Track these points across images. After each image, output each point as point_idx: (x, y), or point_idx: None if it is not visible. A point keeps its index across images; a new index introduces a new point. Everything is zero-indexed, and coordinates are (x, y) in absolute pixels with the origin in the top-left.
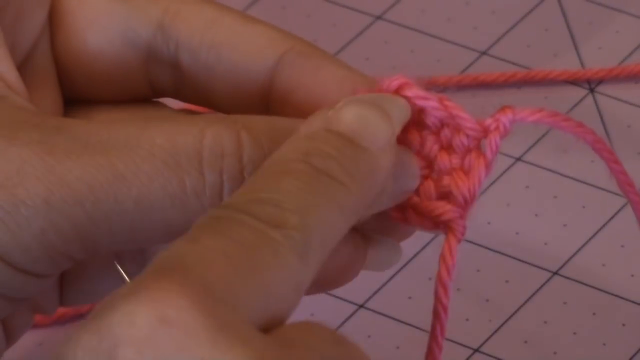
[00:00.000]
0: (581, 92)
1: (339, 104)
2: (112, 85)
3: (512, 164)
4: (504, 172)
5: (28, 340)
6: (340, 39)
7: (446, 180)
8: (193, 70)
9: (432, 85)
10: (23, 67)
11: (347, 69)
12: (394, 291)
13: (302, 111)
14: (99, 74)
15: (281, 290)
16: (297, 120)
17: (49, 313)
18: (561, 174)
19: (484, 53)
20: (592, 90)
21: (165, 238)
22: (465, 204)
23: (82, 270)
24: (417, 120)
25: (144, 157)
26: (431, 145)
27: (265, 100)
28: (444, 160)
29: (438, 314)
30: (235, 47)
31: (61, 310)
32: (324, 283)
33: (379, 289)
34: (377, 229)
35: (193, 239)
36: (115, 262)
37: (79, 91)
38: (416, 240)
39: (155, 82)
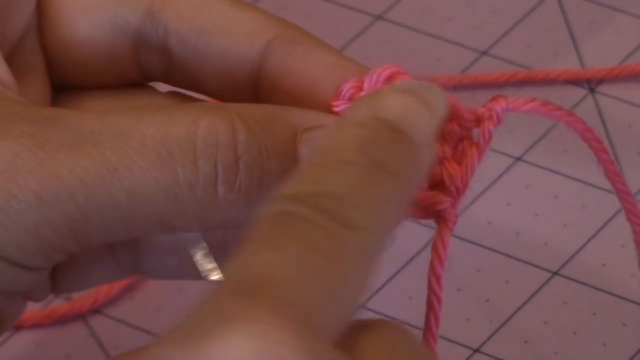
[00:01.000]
0: (581, 92)
1: (383, 90)
2: (101, 72)
3: (512, 164)
4: (504, 172)
5: (28, 340)
6: (340, 39)
7: (438, 169)
8: (182, 55)
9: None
10: (11, 57)
11: (337, 55)
12: (394, 291)
13: (292, 97)
14: (89, 60)
15: (356, 300)
16: (291, 109)
17: (40, 300)
18: (561, 174)
19: (484, 53)
20: (592, 90)
21: (158, 230)
22: (458, 193)
23: (74, 260)
24: None
25: (137, 149)
26: None
27: (255, 86)
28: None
29: (432, 304)
30: (224, 32)
31: (61, 310)
32: None
33: (379, 289)
34: None
35: (274, 247)
36: (192, 254)
37: (68, 78)
38: (416, 240)
39: (145, 68)
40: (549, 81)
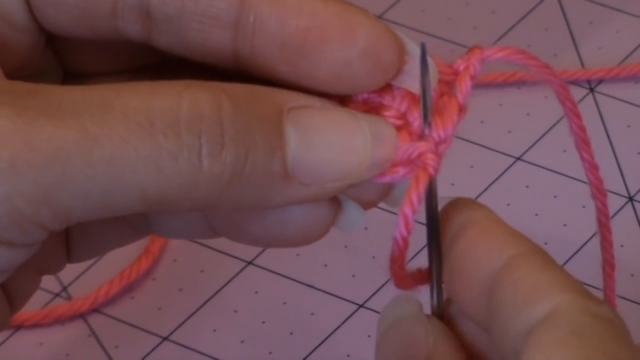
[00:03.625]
0: (581, 92)
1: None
2: (78, 27)
3: (512, 164)
4: (504, 172)
5: (28, 339)
6: None
7: (419, 123)
8: (162, 17)
9: None
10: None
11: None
12: (393, 291)
13: (270, 50)
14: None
15: None
16: (276, 89)
17: (56, 272)
18: (561, 174)
19: None
20: (592, 90)
21: (141, 206)
22: (439, 142)
23: (87, 227)
24: None
25: (118, 119)
26: (402, 99)
27: (236, 50)
28: (415, 113)
29: (396, 241)
30: None
31: (61, 309)
32: (287, 240)
33: (379, 289)
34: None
35: None
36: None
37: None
38: (415, 241)
39: (123, 30)
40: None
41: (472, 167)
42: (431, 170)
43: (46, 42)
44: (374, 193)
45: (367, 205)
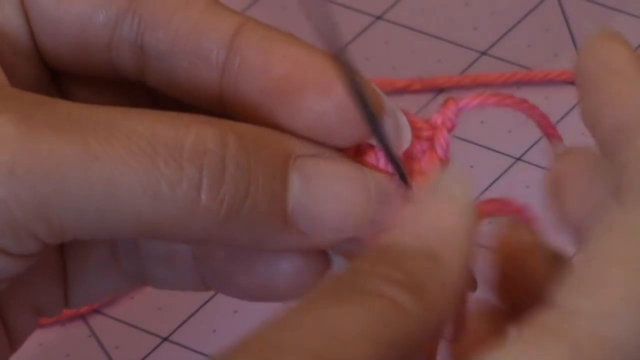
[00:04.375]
0: None
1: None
2: (75, 59)
3: (512, 164)
4: (504, 172)
5: (28, 340)
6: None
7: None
8: (155, 56)
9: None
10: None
11: (305, 49)
12: None
13: (252, 94)
14: (70, 44)
15: None
16: (286, 134)
17: (53, 315)
18: None
19: (484, 53)
20: None
21: (135, 230)
22: None
23: (81, 269)
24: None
25: (121, 141)
26: (386, 158)
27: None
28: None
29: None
30: (197, 37)
31: None
32: (274, 291)
33: None
34: (338, 248)
35: None
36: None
37: (51, 62)
38: None
39: (118, 64)
40: (548, 81)
41: (472, 167)
42: None
43: (51, 78)
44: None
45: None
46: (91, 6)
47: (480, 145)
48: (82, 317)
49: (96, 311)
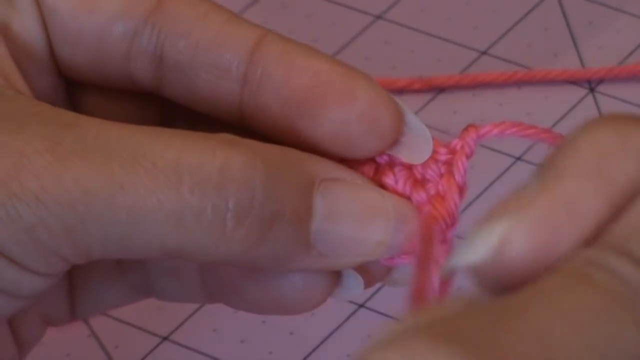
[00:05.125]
0: (581, 92)
1: None
2: (92, 71)
3: (512, 164)
4: (504, 172)
5: None
6: (340, 39)
7: (427, 208)
8: (175, 68)
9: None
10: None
11: (319, 58)
12: (394, 291)
13: (273, 105)
14: (86, 55)
15: None
16: (311, 156)
17: (60, 324)
18: None
19: (484, 53)
20: (592, 90)
21: (160, 254)
22: (447, 227)
23: (88, 280)
24: (388, 159)
25: (147, 169)
26: (405, 180)
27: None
28: (420, 194)
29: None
30: (218, 48)
31: None
32: (284, 305)
33: (379, 289)
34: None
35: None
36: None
37: (67, 72)
38: None
39: (135, 75)
40: (548, 81)
41: (471, 167)
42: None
43: (66, 88)
44: (378, 272)
45: (368, 282)
46: (110, 17)
47: (480, 145)
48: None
49: None
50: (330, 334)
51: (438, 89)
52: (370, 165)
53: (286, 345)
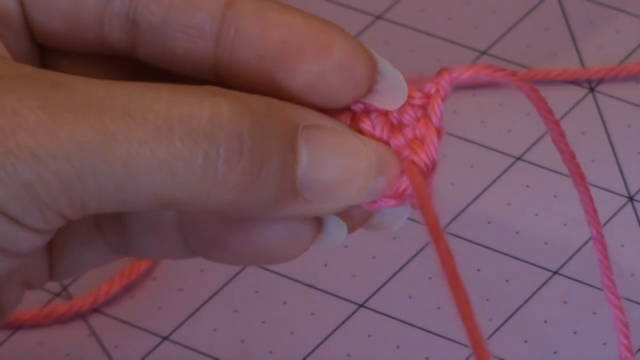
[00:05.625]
0: (581, 91)
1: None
2: (68, 34)
3: (512, 164)
4: (504, 171)
5: (28, 339)
6: None
7: (406, 152)
8: (149, 29)
9: None
10: None
11: (292, 13)
12: (394, 291)
13: (249, 61)
14: (57, 18)
15: None
16: (292, 105)
17: (39, 287)
18: (561, 174)
19: (484, 53)
20: (592, 90)
21: (153, 204)
22: (428, 171)
23: (66, 241)
24: (364, 107)
25: (138, 121)
26: (382, 126)
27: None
28: (398, 138)
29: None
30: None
31: (61, 309)
32: (267, 255)
33: (379, 289)
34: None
35: None
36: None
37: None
38: (416, 240)
39: (108, 38)
40: (548, 81)
41: (472, 167)
42: (427, 190)
43: (39, 59)
44: (359, 217)
45: (349, 228)
46: None
47: (480, 145)
48: (82, 316)
49: (96, 310)
50: (330, 334)
51: None
52: (346, 114)
53: (286, 345)
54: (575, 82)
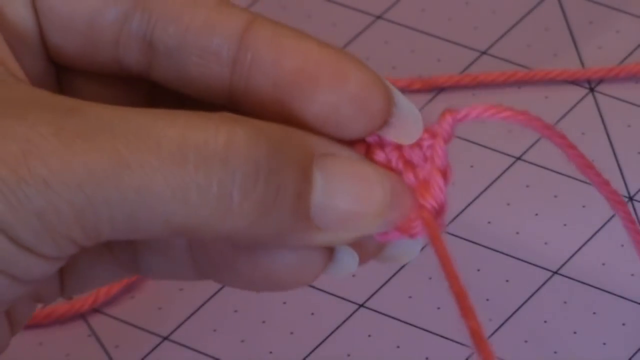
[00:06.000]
0: (581, 91)
1: None
2: (84, 55)
3: (512, 164)
4: (504, 171)
5: (28, 340)
6: (340, 39)
7: (415, 192)
8: (165, 52)
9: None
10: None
11: (308, 41)
12: (394, 291)
13: (264, 89)
14: (74, 38)
15: None
16: (307, 133)
17: (49, 302)
18: (561, 174)
19: (484, 53)
20: (592, 90)
21: (166, 232)
22: (437, 213)
23: (77, 259)
24: (379, 139)
25: (152, 148)
26: (396, 159)
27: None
28: (409, 176)
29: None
30: (209, 32)
31: (61, 309)
32: (276, 281)
33: (379, 289)
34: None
35: None
36: None
37: (56, 57)
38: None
39: (124, 59)
40: (548, 81)
41: (472, 167)
42: (436, 232)
43: (55, 78)
44: (372, 248)
45: (361, 259)
46: (101, 3)
47: (480, 145)
48: (82, 316)
49: (96, 310)
50: (330, 334)
51: (438, 89)
52: (361, 145)
53: (286, 345)
54: (575, 82)
